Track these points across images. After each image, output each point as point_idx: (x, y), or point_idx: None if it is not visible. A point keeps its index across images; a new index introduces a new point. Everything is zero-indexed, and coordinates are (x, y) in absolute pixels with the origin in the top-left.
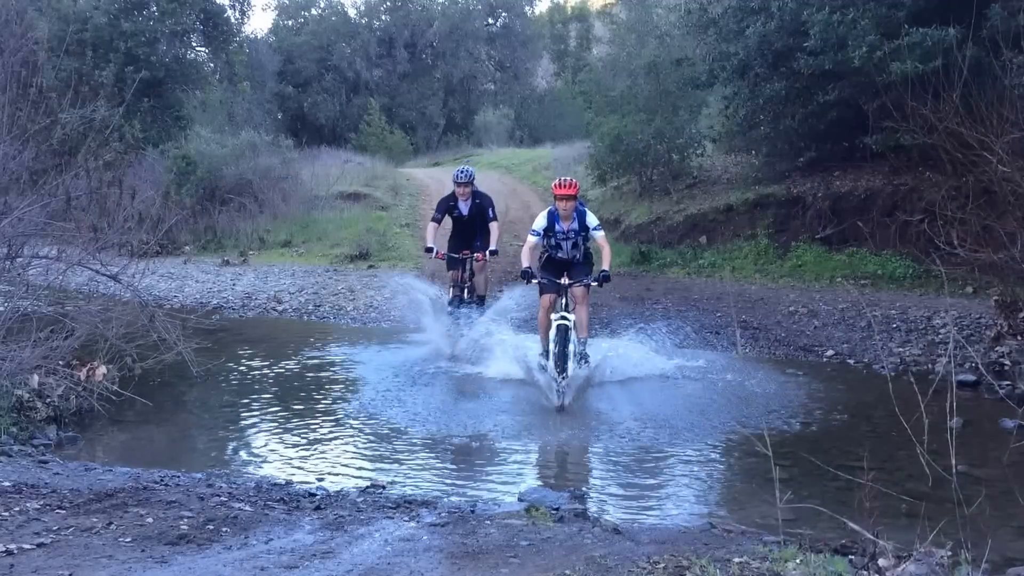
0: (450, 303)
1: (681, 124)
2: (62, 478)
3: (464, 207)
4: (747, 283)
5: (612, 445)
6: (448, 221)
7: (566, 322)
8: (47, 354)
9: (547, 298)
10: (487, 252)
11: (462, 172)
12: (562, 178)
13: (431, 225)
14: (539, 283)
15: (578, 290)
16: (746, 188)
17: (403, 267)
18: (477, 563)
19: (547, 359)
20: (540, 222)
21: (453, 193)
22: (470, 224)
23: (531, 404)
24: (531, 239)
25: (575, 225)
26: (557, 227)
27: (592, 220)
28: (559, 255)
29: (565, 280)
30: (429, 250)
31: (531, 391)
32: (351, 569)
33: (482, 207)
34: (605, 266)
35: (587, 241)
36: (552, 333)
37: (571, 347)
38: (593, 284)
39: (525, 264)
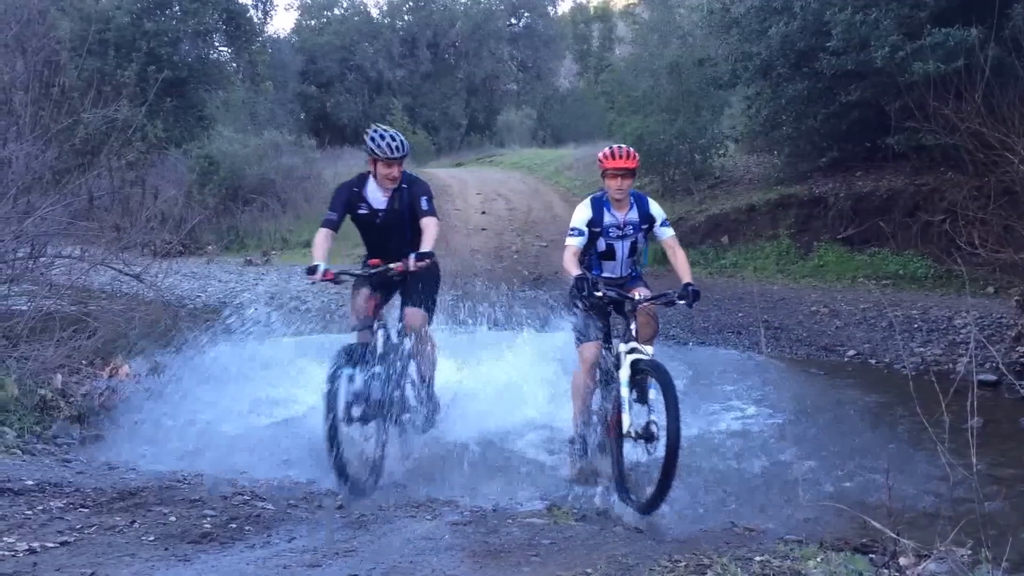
0: (338, 362)
1: (703, 124)
2: (85, 477)
3: (380, 199)
4: (769, 283)
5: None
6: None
7: (642, 355)
8: (70, 353)
9: (591, 349)
10: (417, 257)
11: (385, 139)
12: (615, 146)
13: (321, 232)
14: (578, 330)
15: (647, 327)
16: (768, 188)
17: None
18: (499, 562)
19: (581, 452)
20: (582, 214)
21: (362, 176)
22: (393, 228)
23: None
24: (571, 241)
25: (633, 215)
26: (608, 218)
27: (658, 211)
28: (606, 270)
29: (639, 294)
30: (312, 270)
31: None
32: (373, 568)
33: (413, 197)
34: (687, 277)
35: (645, 244)
36: (623, 374)
37: (652, 398)
38: (679, 303)
39: (574, 271)
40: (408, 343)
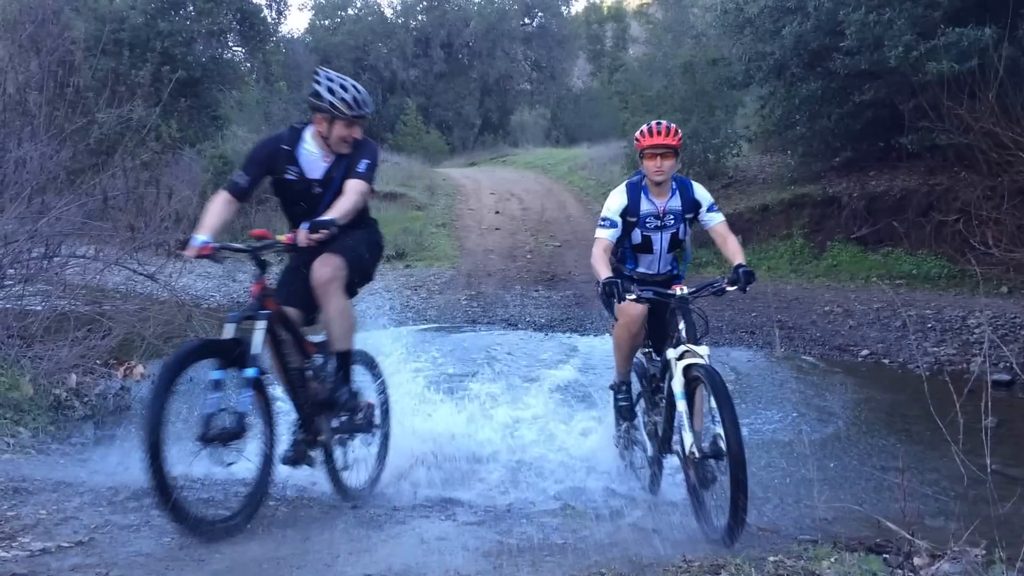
0: (178, 364)
1: (717, 124)
2: (100, 476)
3: (318, 164)
4: (783, 283)
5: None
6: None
7: (696, 359)
8: (85, 353)
9: (636, 308)
10: (311, 227)
11: (348, 91)
12: (653, 121)
13: (219, 197)
14: (609, 295)
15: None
16: (782, 188)
17: (439, 266)
18: (513, 561)
19: (624, 399)
20: (615, 201)
21: (295, 131)
22: (329, 203)
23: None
24: (602, 234)
25: (675, 203)
26: (645, 206)
27: (704, 195)
28: (642, 266)
29: (681, 290)
30: (185, 244)
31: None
32: (387, 567)
33: (353, 163)
34: (739, 258)
35: (687, 234)
36: (677, 386)
37: (713, 407)
38: (730, 289)
39: (603, 274)
40: (332, 362)
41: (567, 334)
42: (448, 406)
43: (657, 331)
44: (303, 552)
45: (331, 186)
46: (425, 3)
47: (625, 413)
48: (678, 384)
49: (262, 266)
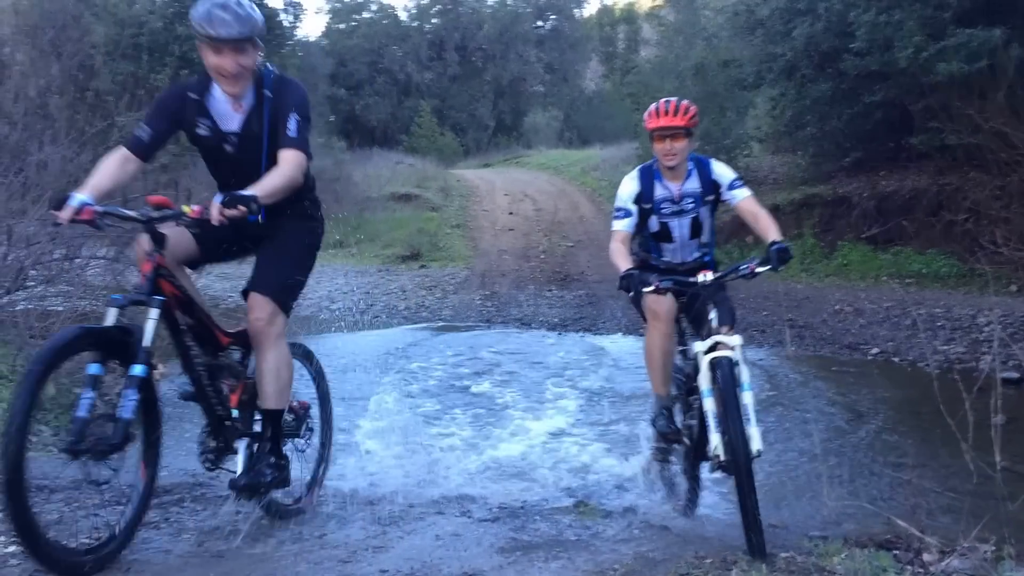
0: (49, 356)
1: (728, 125)
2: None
3: (232, 114)
4: (793, 282)
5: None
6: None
7: (728, 353)
8: None
9: (663, 303)
10: (226, 201)
11: (205, 4)
12: (662, 100)
13: (116, 154)
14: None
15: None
16: (792, 188)
17: (453, 267)
18: (527, 557)
19: (665, 423)
20: (628, 189)
21: (206, 78)
22: (252, 162)
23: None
24: (618, 226)
25: (693, 185)
26: (660, 191)
27: (725, 173)
28: (665, 255)
29: (704, 277)
30: (59, 204)
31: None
32: (403, 563)
33: (278, 115)
34: (774, 235)
35: (708, 219)
36: (704, 382)
37: (746, 403)
38: (760, 271)
39: (622, 266)
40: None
41: (580, 333)
42: (458, 406)
43: (697, 326)
44: (319, 548)
45: (257, 141)
46: (439, 6)
47: (672, 439)
48: (704, 380)
49: (158, 241)
